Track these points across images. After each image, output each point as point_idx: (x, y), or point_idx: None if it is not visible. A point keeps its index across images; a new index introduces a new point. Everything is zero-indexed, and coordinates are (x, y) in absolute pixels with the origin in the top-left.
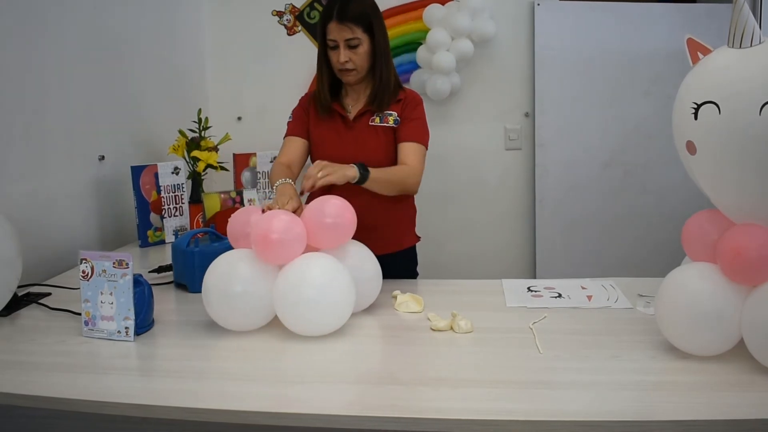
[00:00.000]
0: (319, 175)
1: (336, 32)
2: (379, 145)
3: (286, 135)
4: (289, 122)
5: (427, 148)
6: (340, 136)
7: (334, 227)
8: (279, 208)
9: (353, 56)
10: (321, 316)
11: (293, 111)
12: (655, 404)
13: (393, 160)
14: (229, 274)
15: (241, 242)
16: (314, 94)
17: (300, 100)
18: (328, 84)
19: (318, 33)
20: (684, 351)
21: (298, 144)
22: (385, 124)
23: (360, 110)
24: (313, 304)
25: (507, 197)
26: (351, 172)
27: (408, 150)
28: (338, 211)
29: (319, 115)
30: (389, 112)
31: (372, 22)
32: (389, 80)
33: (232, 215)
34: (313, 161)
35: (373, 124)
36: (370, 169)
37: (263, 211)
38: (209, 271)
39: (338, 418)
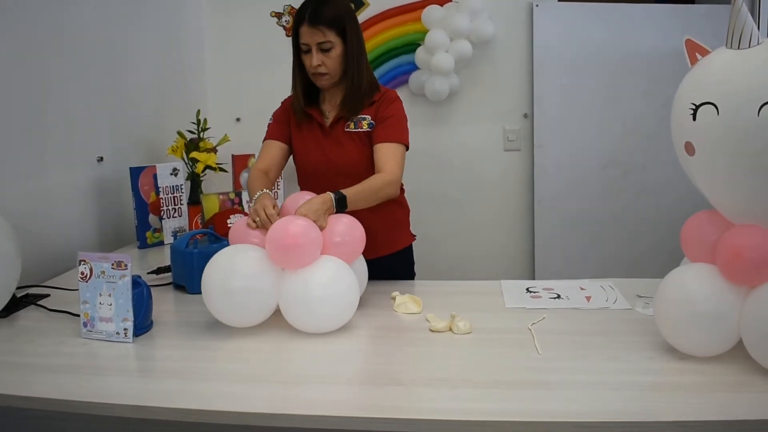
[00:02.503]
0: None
1: (308, 36)
2: (356, 152)
3: (265, 138)
4: (269, 124)
5: (406, 144)
6: (319, 144)
7: (343, 245)
8: (264, 215)
9: (326, 60)
10: (328, 313)
11: (274, 114)
12: (654, 404)
13: (372, 164)
14: (228, 270)
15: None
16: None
17: (282, 103)
18: (303, 89)
19: (291, 37)
20: (683, 352)
21: (278, 149)
22: (359, 130)
23: (335, 116)
24: (320, 302)
25: (506, 198)
26: (329, 211)
27: (383, 153)
28: (347, 229)
29: (299, 122)
30: (363, 116)
31: (345, 26)
32: (361, 85)
33: (230, 231)
34: (296, 167)
35: (348, 130)
36: (346, 194)
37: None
38: (209, 266)
39: (337, 420)
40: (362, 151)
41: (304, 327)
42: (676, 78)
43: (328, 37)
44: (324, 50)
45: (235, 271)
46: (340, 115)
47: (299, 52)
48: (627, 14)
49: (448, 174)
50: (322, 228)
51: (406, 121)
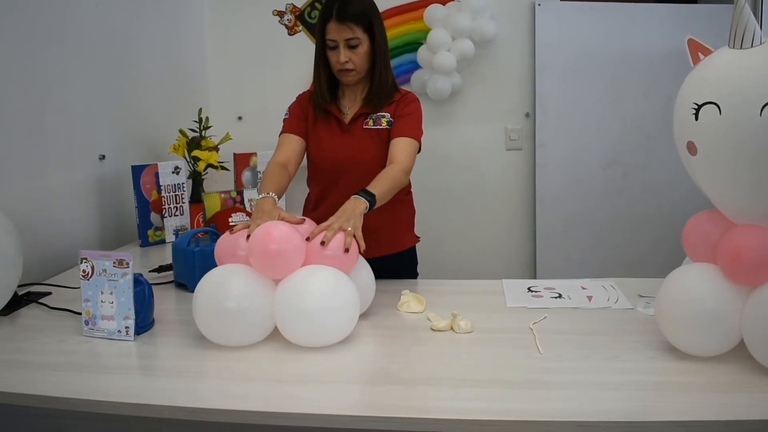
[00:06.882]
0: (343, 229)
1: (336, 32)
2: (374, 149)
3: (283, 132)
4: (285, 119)
5: (419, 143)
6: (335, 140)
7: (334, 259)
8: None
9: (353, 56)
10: (325, 328)
11: (290, 108)
12: (655, 404)
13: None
14: (221, 289)
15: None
16: (312, 94)
17: (298, 97)
18: (327, 84)
19: (316, 32)
20: (684, 351)
21: (296, 142)
22: (378, 127)
23: (356, 113)
24: (317, 316)
25: (507, 197)
26: (361, 207)
27: (397, 145)
28: (338, 244)
29: (316, 116)
30: (382, 114)
31: (372, 22)
32: (386, 81)
33: (218, 241)
34: (309, 162)
35: (367, 127)
36: (373, 192)
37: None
38: (199, 287)
39: (338, 418)
40: (379, 148)
41: (302, 342)
42: (678, 77)
43: (356, 33)
44: (351, 47)
45: (228, 292)
46: (361, 111)
47: (324, 47)
48: (629, 13)
49: (449, 173)
50: (353, 230)
51: (422, 122)
